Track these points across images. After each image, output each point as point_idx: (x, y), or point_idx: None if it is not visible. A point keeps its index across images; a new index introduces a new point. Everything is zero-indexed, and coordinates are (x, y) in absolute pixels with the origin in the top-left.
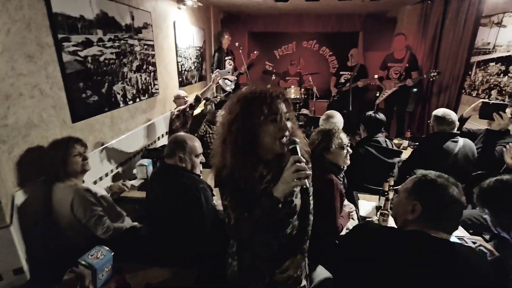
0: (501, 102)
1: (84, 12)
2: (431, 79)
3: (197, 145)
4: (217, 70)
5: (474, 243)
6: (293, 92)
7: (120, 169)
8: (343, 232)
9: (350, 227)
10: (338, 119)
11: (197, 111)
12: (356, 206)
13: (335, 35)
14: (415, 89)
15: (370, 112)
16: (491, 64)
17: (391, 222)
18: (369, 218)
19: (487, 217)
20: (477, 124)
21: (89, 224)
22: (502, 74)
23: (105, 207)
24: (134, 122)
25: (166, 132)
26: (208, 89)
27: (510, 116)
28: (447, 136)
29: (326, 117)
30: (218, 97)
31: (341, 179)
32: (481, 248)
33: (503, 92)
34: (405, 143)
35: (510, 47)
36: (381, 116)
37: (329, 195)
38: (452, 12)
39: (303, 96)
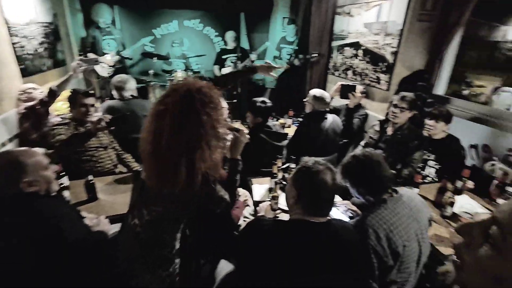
0: (352, 83)
1: None
2: (312, 59)
3: (39, 157)
4: (80, 57)
5: (346, 208)
6: (180, 76)
7: None
8: (241, 221)
9: (247, 214)
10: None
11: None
12: (250, 192)
13: (218, 16)
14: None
15: (259, 101)
16: (346, 48)
17: (282, 202)
18: (264, 201)
19: (348, 186)
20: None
21: None
22: (354, 57)
23: None
24: None
25: (9, 139)
26: (67, 80)
27: (360, 93)
28: (322, 114)
29: None
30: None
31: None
32: (349, 211)
33: (355, 72)
34: (289, 121)
35: (357, 34)
36: (269, 103)
37: None
38: (316, 0)
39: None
